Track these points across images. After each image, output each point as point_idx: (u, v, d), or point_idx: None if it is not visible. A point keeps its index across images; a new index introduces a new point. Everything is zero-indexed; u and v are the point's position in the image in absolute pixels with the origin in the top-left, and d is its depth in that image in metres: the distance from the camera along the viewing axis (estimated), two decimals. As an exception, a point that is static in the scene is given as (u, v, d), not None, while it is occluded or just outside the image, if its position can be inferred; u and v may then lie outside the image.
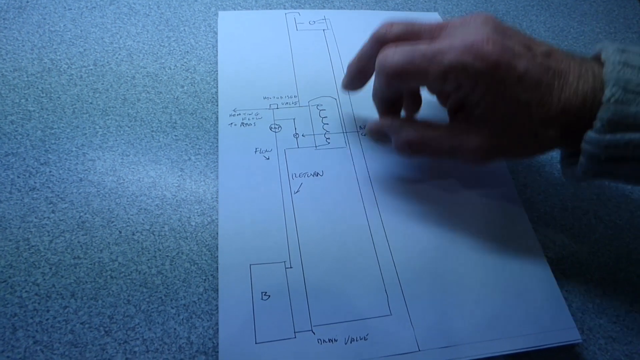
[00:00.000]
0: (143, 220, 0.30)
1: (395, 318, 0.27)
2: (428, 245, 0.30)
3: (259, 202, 0.30)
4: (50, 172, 0.31)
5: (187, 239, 0.29)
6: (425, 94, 0.32)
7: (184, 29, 0.41)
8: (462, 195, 0.32)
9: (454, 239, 0.30)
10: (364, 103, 0.36)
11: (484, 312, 0.27)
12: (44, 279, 0.27)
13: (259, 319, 0.26)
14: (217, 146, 0.33)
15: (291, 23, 0.42)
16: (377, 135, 0.32)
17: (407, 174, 0.33)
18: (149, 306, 0.27)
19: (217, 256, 0.28)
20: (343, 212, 0.30)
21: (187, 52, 0.39)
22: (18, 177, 0.30)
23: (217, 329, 0.26)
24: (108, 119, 0.34)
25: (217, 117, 0.35)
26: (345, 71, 0.33)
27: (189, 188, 0.31)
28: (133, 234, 0.29)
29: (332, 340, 0.25)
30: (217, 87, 0.36)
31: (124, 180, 0.31)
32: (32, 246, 0.28)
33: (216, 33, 0.40)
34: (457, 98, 0.28)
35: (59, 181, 0.31)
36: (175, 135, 0.34)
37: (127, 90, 0.36)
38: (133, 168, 0.32)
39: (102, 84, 0.36)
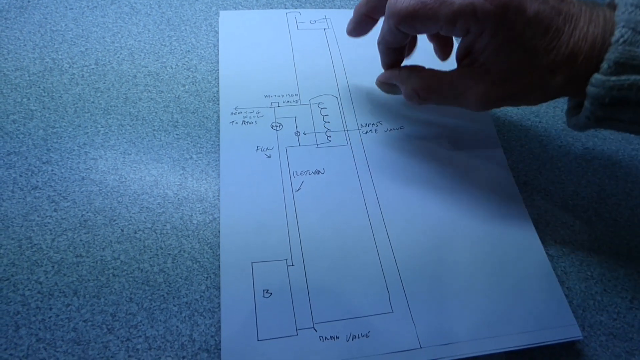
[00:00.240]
0: (145, 218, 0.30)
1: (397, 315, 0.27)
2: (429, 243, 0.30)
3: (261, 200, 0.30)
4: (52, 170, 0.31)
5: (189, 237, 0.29)
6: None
7: (185, 29, 0.41)
8: (464, 194, 0.32)
9: (455, 237, 0.30)
10: (365, 101, 0.37)
11: (486, 309, 0.27)
12: (47, 277, 0.27)
13: (261, 317, 0.26)
14: (218, 145, 0.33)
15: (292, 22, 0.42)
16: (387, 86, 0.33)
17: (409, 172, 0.33)
18: (151, 304, 0.27)
19: (219, 254, 0.28)
20: (344, 209, 0.31)
21: (189, 51, 0.39)
22: (20, 175, 0.31)
23: (220, 326, 0.26)
24: (110, 118, 0.34)
25: (218, 116, 0.35)
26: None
27: (190, 186, 0.31)
28: (135, 232, 0.29)
29: (333, 338, 0.26)
30: (218, 85, 0.36)
31: (125, 179, 0.31)
32: (35, 244, 0.28)
33: (217, 32, 0.41)
34: (465, 45, 0.28)
35: (61, 180, 0.31)
36: (177, 134, 0.34)
37: (129, 89, 0.36)
38: (135, 167, 0.32)
39: (104, 83, 0.36)
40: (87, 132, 0.33)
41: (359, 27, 0.33)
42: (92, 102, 0.35)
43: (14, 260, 0.27)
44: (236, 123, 0.34)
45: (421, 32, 0.31)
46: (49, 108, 0.34)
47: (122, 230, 0.29)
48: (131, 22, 0.40)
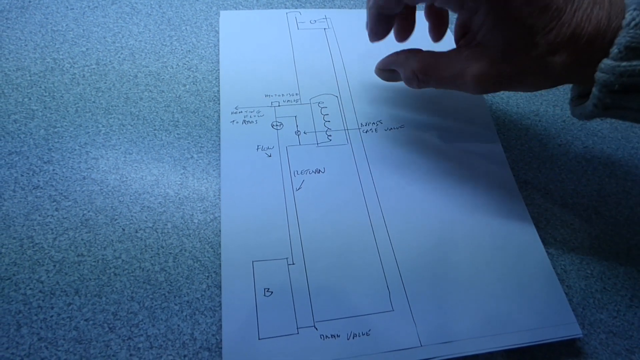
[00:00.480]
0: (146, 217, 0.30)
1: (397, 314, 0.27)
2: (430, 242, 0.30)
3: (261, 199, 0.30)
4: (53, 170, 0.31)
5: (190, 236, 0.29)
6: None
7: (186, 29, 0.41)
8: (464, 193, 0.32)
9: (456, 235, 0.30)
10: (365, 100, 0.37)
11: (486, 307, 0.27)
12: (48, 277, 0.27)
13: (261, 315, 0.26)
14: (219, 144, 0.33)
15: (292, 22, 0.42)
16: (386, 73, 0.33)
17: (409, 171, 0.33)
18: (153, 303, 0.27)
19: (220, 253, 0.28)
20: (345, 208, 0.31)
21: (189, 51, 0.39)
22: (22, 175, 0.31)
23: (221, 325, 0.26)
24: (111, 118, 0.34)
25: (219, 115, 0.35)
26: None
27: (191, 186, 0.31)
28: (136, 232, 0.29)
29: (334, 336, 0.26)
30: (219, 85, 0.37)
31: (127, 178, 0.31)
32: (36, 244, 0.28)
33: (218, 32, 0.41)
34: (461, 23, 0.27)
35: (62, 179, 0.31)
36: (178, 134, 0.34)
37: (130, 89, 0.36)
38: (136, 166, 0.32)
39: (105, 83, 0.36)
40: (88, 132, 0.33)
41: (377, 29, 0.31)
42: (93, 102, 0.35)
43: (15, 259, 0.27)
44: (237, 122, 0.34)
45: (415, 2, 0.29)
46: (50, 108, 0.34)
47: (124, 230, 0.29)
48: (132, 22, 0.41)
